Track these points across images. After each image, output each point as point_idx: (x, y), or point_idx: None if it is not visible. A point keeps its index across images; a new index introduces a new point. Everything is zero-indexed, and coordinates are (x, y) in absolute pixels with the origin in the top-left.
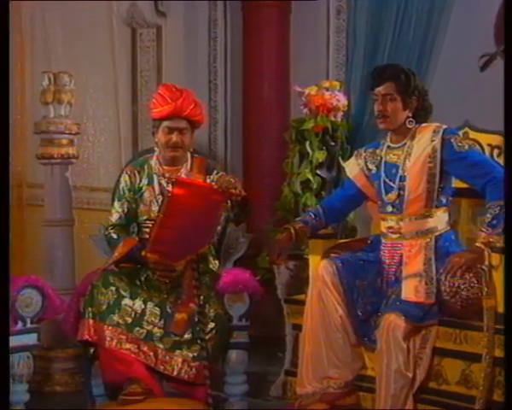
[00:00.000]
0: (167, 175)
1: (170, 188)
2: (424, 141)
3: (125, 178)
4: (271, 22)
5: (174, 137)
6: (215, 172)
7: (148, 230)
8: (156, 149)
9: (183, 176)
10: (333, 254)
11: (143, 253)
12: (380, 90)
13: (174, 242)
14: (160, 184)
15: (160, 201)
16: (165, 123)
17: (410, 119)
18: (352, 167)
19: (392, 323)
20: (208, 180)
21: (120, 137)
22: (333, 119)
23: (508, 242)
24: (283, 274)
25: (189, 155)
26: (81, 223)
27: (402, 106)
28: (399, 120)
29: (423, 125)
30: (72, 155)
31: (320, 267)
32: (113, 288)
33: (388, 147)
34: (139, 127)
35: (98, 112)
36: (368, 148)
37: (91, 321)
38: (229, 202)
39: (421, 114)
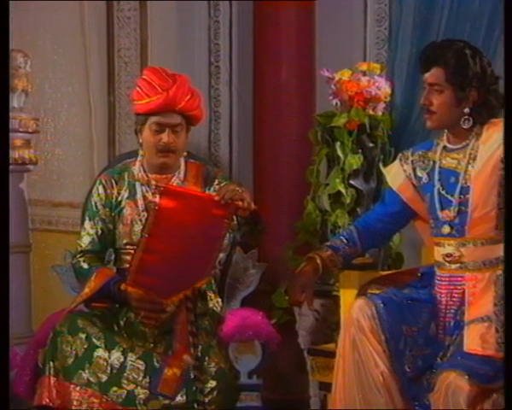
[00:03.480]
0: (154, 183)
1: (157, 199)
2: (494, 141)
3: (98, 191)
4: None
5: (165, 137)
6: (216, 181)
7: (129, 257)
8: (140, 151)
9: (174, 184)
10: (371, 292)
11: (123, 287)
12: (427, 77)
13: (163, 272)
14: (144, 197)
15: (144, 219)
16: (154, 119)
17: (467, 117)
18: (396, 176)
19: (453, 384)
20: (208, 192)
21: (92, 136)
22: (371, 112)
23: (508, 243)
24: (307, 317)
25: (182, 160)
26: (40, 249)
27: (454, 100)
28: (450, 118)
29: (493, 120)
30: (28, 159)
31: (355, 309)
32: (82, 335)
33: (444, 148)
34: (117, 124)
35: (61, 103)
36: (417, 150)
37: (53, 379)
38: (234, 218)
39: (483, 111)
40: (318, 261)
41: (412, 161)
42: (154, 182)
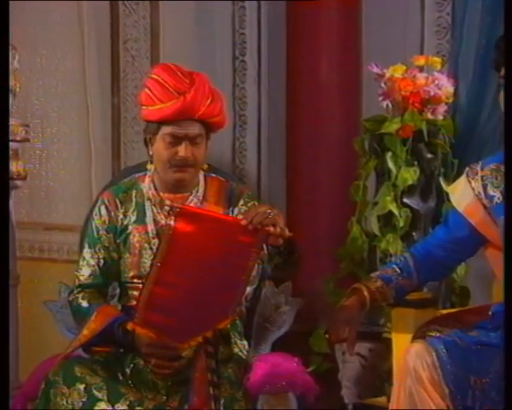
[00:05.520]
0: (168, 203)
1: (171, 222)
2: None
3: (100, 213)
4: None
5: (182, 151)
6: (242, 201)
7: (136, 292)
8: (150, 165)
9: (191, 205)
10: (431, 334)
11: (130, 326)
12: None
13: (178, 309)
14: (155, 221)
15: (155, 247)
16: (168, 128)
17: None
18: (463, 194)
19: None
20: (232, 214)
21: (91, 146)
22: (430, 116)
23: (508, 241)
24: (351, 364)
25: (201, 175)
26: (29, 281)
27: None
28: None
29: None
30: (16, 173)
31: (411, 355)
32: (80, 386)
33: None
34: (122, 130)
35: (51, 106)
36: (488, 163)
37: None
38: (265, 247)
39: None
40: (365, 294)
41: (482, 176)
42: (168, 202)
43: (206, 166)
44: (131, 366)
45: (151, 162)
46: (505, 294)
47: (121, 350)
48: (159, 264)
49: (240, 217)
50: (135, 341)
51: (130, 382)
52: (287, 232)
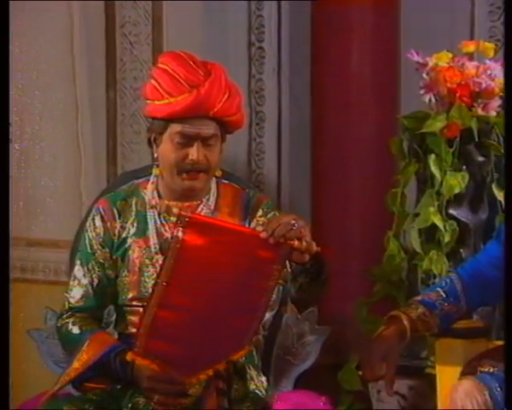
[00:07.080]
0: (175, 211)
1: (179, 233)
2: None
3: (94, 224)
4: None
5: (193, 153)
6: (260, 211)
7: (136, 318)
8: (155, 170)
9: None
10: (484, 369)
11: (129, 357)
12: None
13: (186, 336)
14: (158, 233)
15: (159, 264)
16: (177, 127)
17: None
18: None
19: None
20: (249, 226)
21: (80, 148)
22: (481, 112)
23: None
24: (389, 404)
25: (213, 181)
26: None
27: None
28: None
29: None
30: None
31: (459, 394)
32: None
33: None
34: (119, 129)
35: (32, 102)
36: None
37: None
38: (287, 264)
39: None
40: (405, 322)
41: None
42: (175, 209)
43: (219, 173)
44: (130, 405)
45: (157, 166)
46: (505, 294)
47: (118, 387)
48: (164, 283)
49: (259, 229)
50: (135, 374)
51: None
52: (314, 247)
